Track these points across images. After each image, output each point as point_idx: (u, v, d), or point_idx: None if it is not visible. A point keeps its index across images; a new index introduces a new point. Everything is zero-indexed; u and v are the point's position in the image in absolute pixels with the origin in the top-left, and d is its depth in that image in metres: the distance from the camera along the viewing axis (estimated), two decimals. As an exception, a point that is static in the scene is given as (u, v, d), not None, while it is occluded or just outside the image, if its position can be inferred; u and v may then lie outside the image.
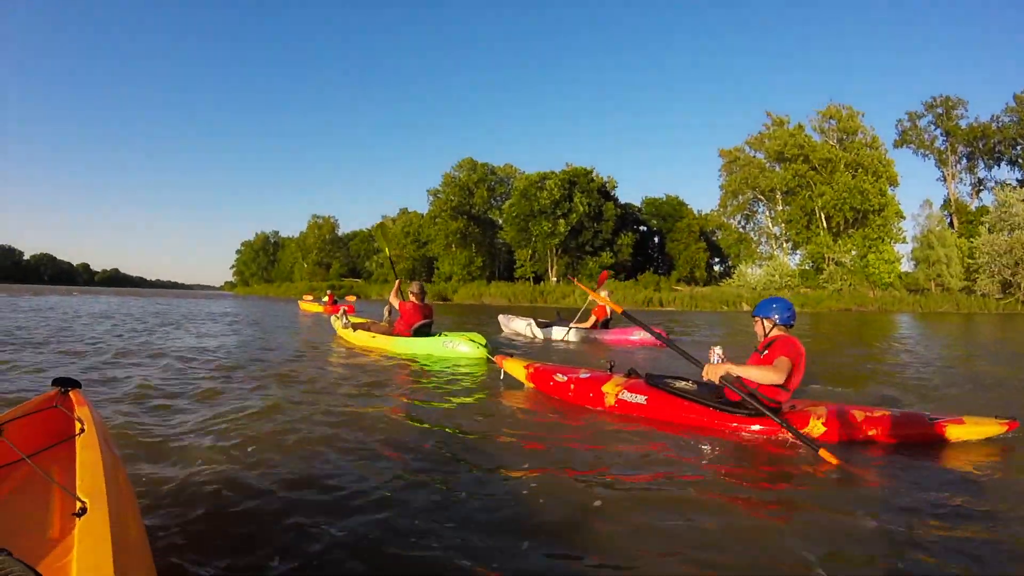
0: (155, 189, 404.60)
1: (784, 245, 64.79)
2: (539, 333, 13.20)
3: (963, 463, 3.71)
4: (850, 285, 52.27)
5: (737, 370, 4.15)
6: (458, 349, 8.89)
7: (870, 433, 4.01)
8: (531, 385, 6.13)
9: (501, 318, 15.29)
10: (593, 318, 12.96)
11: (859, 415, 4.10)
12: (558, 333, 12.78)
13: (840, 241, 56.58)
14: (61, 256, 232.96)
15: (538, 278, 70.09)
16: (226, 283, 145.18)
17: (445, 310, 36.11)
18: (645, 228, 78.51)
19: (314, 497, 3.15)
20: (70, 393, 2.90)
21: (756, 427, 4.17)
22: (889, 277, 53.39)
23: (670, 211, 75.67)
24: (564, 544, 2.65)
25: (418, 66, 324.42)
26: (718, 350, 5.46)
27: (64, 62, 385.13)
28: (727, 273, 71.87)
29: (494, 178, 79.75)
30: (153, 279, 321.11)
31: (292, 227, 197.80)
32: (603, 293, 11.82)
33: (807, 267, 58.95)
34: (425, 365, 8.30)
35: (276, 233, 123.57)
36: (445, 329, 10.13)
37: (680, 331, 17.64)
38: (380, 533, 2.73)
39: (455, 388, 6.61)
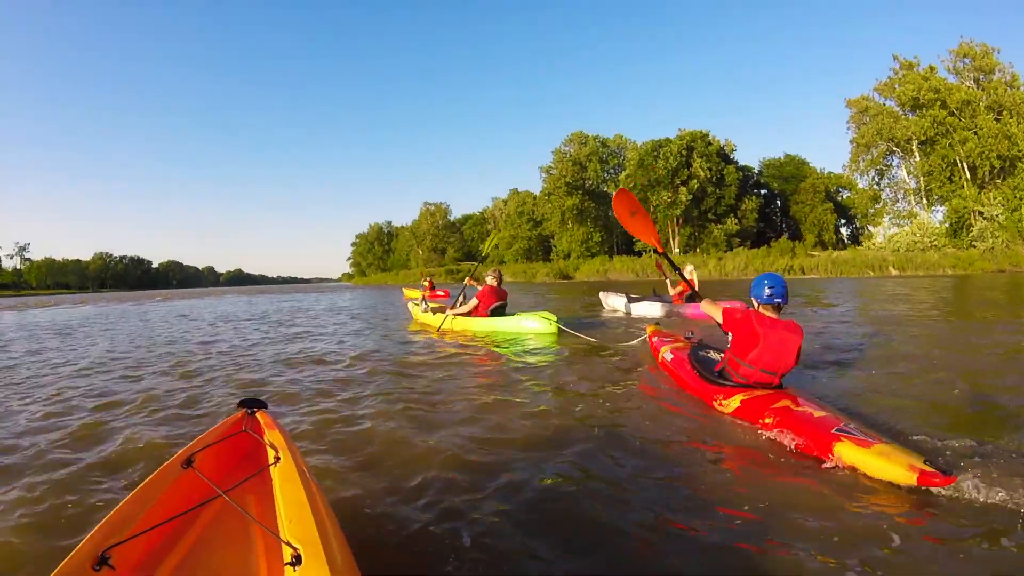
0: (271, 190, 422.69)
1: (924, 201, 58.85)
2: (631, 308, 13.53)
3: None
4: (1003, 243, 46.13)
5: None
6: (530, 326, 9.73)
7: (767, 421, 3.71)
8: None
9: (601, 295, 15.87)
10: (684, 291, 12.81)
11: (784, 403, 3.75)
12: (646, 308, 13.02)
13: (986, 193, 50.63)
14: (187, 262, 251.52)
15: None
16: (344, 275, 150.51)
17: (565, 289, 35.63)
18: (766, 191, 74.14)
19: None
20: (257, 414, 2.78)
21: (731, 401, 4.13)
22: (1047, 232, 47.15)
23: (792, 171, 71.58)
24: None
25: (521, 45, 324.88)
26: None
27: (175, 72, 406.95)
28: (855, 236, 67.86)
29: (606, 150, 78.18)
30: (274, 275, 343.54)
31: (404, 216, 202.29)
32: (688, 268, 11.61)
33: (949, 224, 52.22)
34: (504, 342, 9.14)
35: (389, 223, 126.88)
36: (519, 310, 11.05)
37: (830, 302, 16.49)
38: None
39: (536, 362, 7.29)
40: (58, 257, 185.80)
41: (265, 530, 1.92)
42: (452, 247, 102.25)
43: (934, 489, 2.76)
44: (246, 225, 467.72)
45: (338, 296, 37.06)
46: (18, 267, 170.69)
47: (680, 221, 65.34)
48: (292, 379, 6.55)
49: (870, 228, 62.74)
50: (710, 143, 64.45)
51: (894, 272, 42.30)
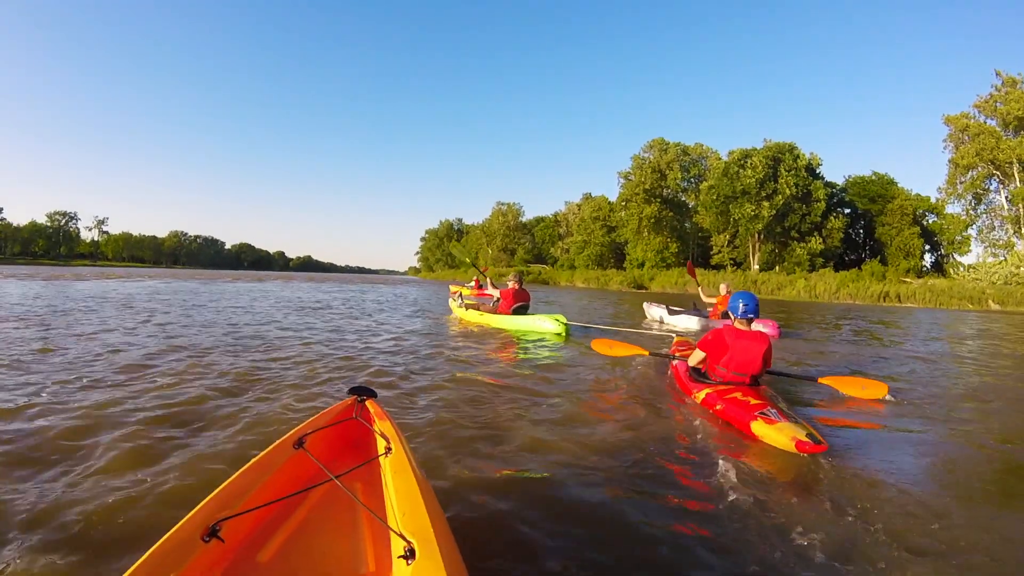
0: (345, 180, 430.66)
1: (1022, 230, 54.30)
2: (670, 320, 14.35)
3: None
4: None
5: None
6: (544, 326, 11.17)
7: (717, 407, 4.81)
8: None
9: (645, 305, 17.10)
10: (720, 309, 13.28)
11: (734, 395, 4.78)
12: (684, 321, 13.68)
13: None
14: (259, 245, 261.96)
15: (736, 264, 67.47)
16: (410, 268, 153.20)
17: (635, 298, 35.04)
18: (849, 210, 70.33)
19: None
20: (367, 403, 2.87)
21: (699, 394, 5.27)
22: None
23: (879, 191, 67.59)
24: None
25: (601, 48, 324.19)
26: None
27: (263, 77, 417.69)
28: (939, 264, 64.10)
29: (687, 158, 76.65)
30: (342, 264, 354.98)
31: (475, 215, 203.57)
32: (723, 286, 13.46)
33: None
34: (520, 337, 10.69)
35: (460, 220, 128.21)
36: (536, 311, 12.52)
37: (933, 334, 15.72)
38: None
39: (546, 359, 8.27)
40: (135, 232, 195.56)
41: (378, 520, 1.98)
42: (522, 248, 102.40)
43: (815, 455, 3.76)
44: (318, 213, 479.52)
45: (404, 288, 38.76)
46: (96, 239, 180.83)
47: (761, 237, 63.66)
48: (346, 366, 7.03)
49: (955, 256, 60.00)
50: (797, 156, 62.37)
51: (994, 307, 40.14)
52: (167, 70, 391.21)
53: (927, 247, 65.59)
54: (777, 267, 62.22)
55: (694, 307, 14.76)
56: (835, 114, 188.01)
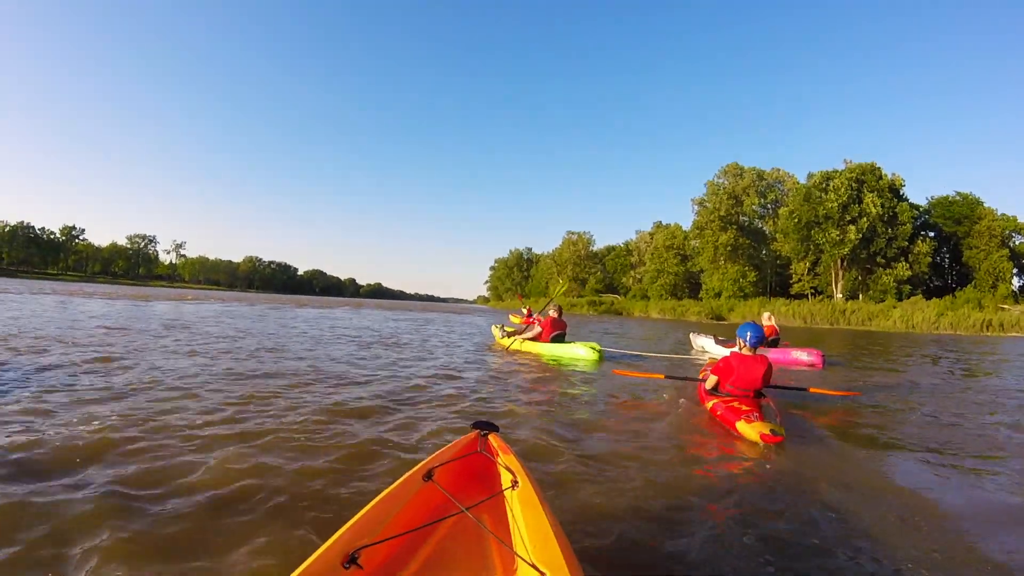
0: (416, 208, 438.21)
1: None
2: (716, 350, 14.61)
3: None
4: None
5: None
6: (579, 353, 11.88)
7: (719, 413, 6.07)
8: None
9: (692, 336, 17.60)
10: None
11: (734, 403, 5.98)
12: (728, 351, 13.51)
13: None
14: (330, 272, 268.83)
15: (816, 292, 65.14)
16: (479, 297, 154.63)
17: (708, 329, 34.43)
18: (933, 233, 66.51)
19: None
20: (489, 437, 2.94)
21: (709, 404, 6.51)
22: None
23: (964, 212, 64.02)
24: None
25: (673, 73, 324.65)
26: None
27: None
28: None
29: (762, 183, 75.03)
30: (412, 292, 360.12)
31: (545, 244, 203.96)
32: (765, 315, 14.24)
33: None
34: (557, 362, 11.39)
35: (530, 250, 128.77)
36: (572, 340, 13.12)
37: None
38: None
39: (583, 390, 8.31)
40: (211, 256, 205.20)
41: (509, 551, 2.03)
42: (594, 277, 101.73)
43: (773, 444, 5.02)
44: (389, 240, 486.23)
45: (471, 318, 38.40)
46: (174, 261, 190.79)
47: (845, 263, 61.33)
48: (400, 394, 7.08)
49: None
50: (880, 177, 60.06)
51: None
52: (240, 99, 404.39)
53: (1015, 271, 62.16)
54: (861, 295, 59.81)
55: None
56: (915, 132, 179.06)
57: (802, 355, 12.94)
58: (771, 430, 5.06)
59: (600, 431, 5.50)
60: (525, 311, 22.33)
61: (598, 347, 11.86)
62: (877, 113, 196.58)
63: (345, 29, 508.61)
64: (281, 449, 4.27)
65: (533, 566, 1.75)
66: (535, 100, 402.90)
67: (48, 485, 3.35)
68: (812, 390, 7.59)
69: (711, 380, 6.63)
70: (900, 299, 54.70)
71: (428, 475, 2.48)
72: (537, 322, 13.67)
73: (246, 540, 2.79)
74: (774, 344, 13.68)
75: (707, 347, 15.52)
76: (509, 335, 14.39)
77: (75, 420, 4.74)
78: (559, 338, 12.96)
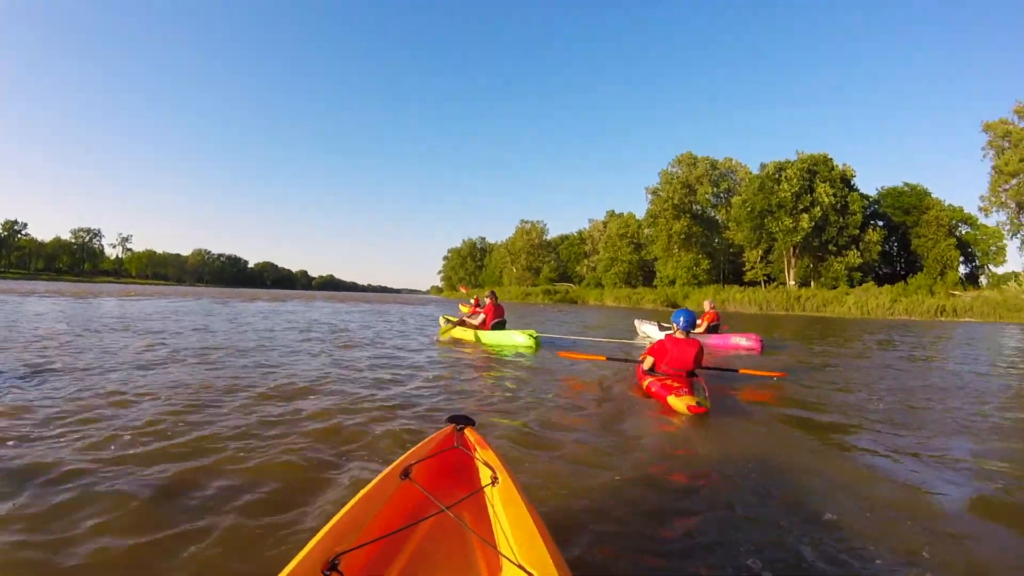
0: (366, 199, 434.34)
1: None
2: (659, 336, 14.28)
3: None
4: None
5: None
6: (517, 340, 12.38)
7: (653, 389, 6.66)
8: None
9: (636, 322, 18.17)
10: (704, 323, 14.38)
11: (668, 381, 6.58)
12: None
13: None
14: (281, 264, 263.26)
15: (769, 280, 65.97)
16: (432, 287, 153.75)
17: (664, 315, 34.12)
18: (882, 223, 67.92)
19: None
20: (465, 431, 2.87)
21: (645, 382, 7.08)
22: None
23: (913, 202, 65.84)
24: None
25: (624, 61, 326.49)
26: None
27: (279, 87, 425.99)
28: (973, 276, 63.03)
29: (716, 173, 75.85)
30: (365, 284, 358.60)
31: (499, 234, 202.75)
32: (707, 302, 14.97)
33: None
34: (498, 349, 11.93)
35: (483, 239, 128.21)
36: (512, 327, 13.72)
37: None
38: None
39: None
40: (158, 250, 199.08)
41: (493, 550, 1.97)
42: (548, 267, 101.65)
43: (700, 414, 5.60)
44: (340, 232, 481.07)
45: (423, 308, 38.23)
46: (120, 256, 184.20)
47: (797, 251, 62.26)
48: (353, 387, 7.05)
49: (991, 267, 58.78)
50: (832, 168, 61.36)
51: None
52: (188, 84, 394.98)
53: (961, 259, 63.92)
54: (813, 283, 60.78)
55: None
56: (864, 124, 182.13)
57: (741, 340, 13.54)
58: (696, 402, 5.69)
59: (553, 417, 5.66)
60: (472, 300, 22.76)
61: (535, 334, 12.41)
62: (828, 105, 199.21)
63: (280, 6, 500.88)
64: (231, 454, 4.09)
65: (520, 566, 1.70)
66: (489, 88, 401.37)
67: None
68: (742, 371, 8.28)
69: (648, 361, 7.26)
70: (852, 286, 55.82)
71: (405, 473, 2.38)
72: (482, 311, 14.16)
73: (219, 554, 2.68)
74: (714, 330, 14.38)
75: (650, 333, 16.06)
76: (455, 324, 14.94)
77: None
78: (499, 325, 13.63)
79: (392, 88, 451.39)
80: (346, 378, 7.54)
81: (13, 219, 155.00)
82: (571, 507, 3.26)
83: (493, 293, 14.55)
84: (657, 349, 7.13)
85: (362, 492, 2.23)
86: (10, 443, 4.18)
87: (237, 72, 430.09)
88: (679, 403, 5.80)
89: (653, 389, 6.68)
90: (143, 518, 3.03)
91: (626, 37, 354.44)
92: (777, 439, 5.08)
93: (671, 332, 7.33)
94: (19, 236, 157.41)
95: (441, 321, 16.74)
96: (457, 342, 13.52)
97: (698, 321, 14.56)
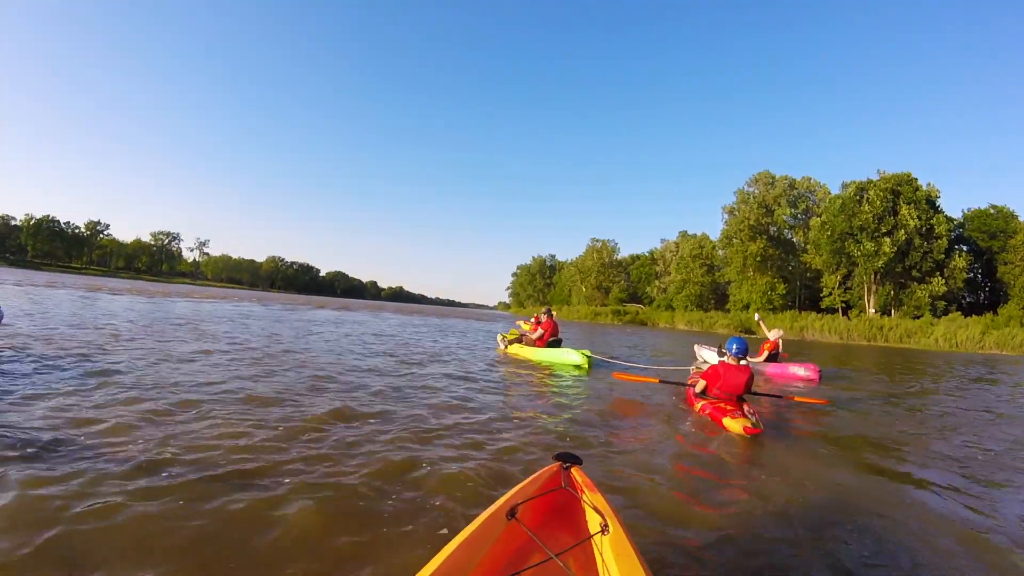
0: (440, 213, 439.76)
1: None
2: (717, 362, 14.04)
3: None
4: None
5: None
6: (571, 359, 12.74)
7: (707, 412, 7.27)
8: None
9: (695, 347, 17.89)
10: (766, 351, 14.71)
11: (721, 404, 7.15)
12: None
13: None
14: (352, 274, 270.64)
15: (847, 307, 63.45)
16: (500, 303, 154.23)
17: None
18: (966, 247, 63.49)
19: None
20: (572, 470, 2.76)
21: (698, 405, 7.70)
22: None
23: (999, 226, 61.81)
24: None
25: (700, 80, 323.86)
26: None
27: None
28: None
29: (794, 192, 73.37)
30: (433, 296, 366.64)
31: (570, 251, 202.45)
32: (775, 331, 15.32)
33: None
34: (552, 366, 12.56)
35: (553, 256, 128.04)
36: (569, 345, 14.08)
37: None
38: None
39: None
40: (234, 255, 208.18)
41: None
42: (617, 287, 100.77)
43: (755, 435, 6.12)
44: (412, 244, 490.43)
45: (493, 324, 37.65)
46: (197, 259, 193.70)
47: (878, 277, 59.43)
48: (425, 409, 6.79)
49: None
50: (917, 188, 58.04)
51: None
52: (267, 100, 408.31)
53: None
54: (893, 311, 58.26)
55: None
56: (948, 141, 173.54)
57: (799, 370, 13.72)
58: (752, 424, 6.26)
59: (613, 439, 5.91)
60: (533, 318, 22.91)
61: (588, 353, 12.80)
62: (909, 119, 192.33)
63: (375, 32, 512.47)
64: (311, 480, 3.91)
65: None
66: (565, 108, 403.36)
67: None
68: (788, 398, 8.83)
69: (700, 384, 7.82)
70: (936, 316, 52.89)
71: (511, 513, 2.31)
72: (541, 326, 14.67)
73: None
74: (774, 358, 14.61)
75: (708, 359, 15.90)
76: (511, 341, 15.75)
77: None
78: (555, 343, 14.15)
79: (470, 106, 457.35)
80: (419, 399, 7.30)
81: (96, 219, 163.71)
82: (672, 559, 3.11)
83: (549, 311, 15.06)
84: (711, 374, 7.58)
85: (467, 530, 2.18)
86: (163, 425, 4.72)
87: (320, 81, 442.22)
88: (735, 425, 6.37)
89: (707, 412, 7.26)
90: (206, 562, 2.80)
91: (702, 54, 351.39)
92: (815, 460, 5.60)
93: (724, 359, 7.77)
94: (101, 236, 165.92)
95: (499, 338, 17.19)
96: (515, 357, 14.15)
97: (764, 346, 15.18)
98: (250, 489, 3.64)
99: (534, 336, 14.53)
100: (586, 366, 12.39)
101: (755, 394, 8.20)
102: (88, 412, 5.09)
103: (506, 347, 15.62)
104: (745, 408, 7.00)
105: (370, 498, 3.65)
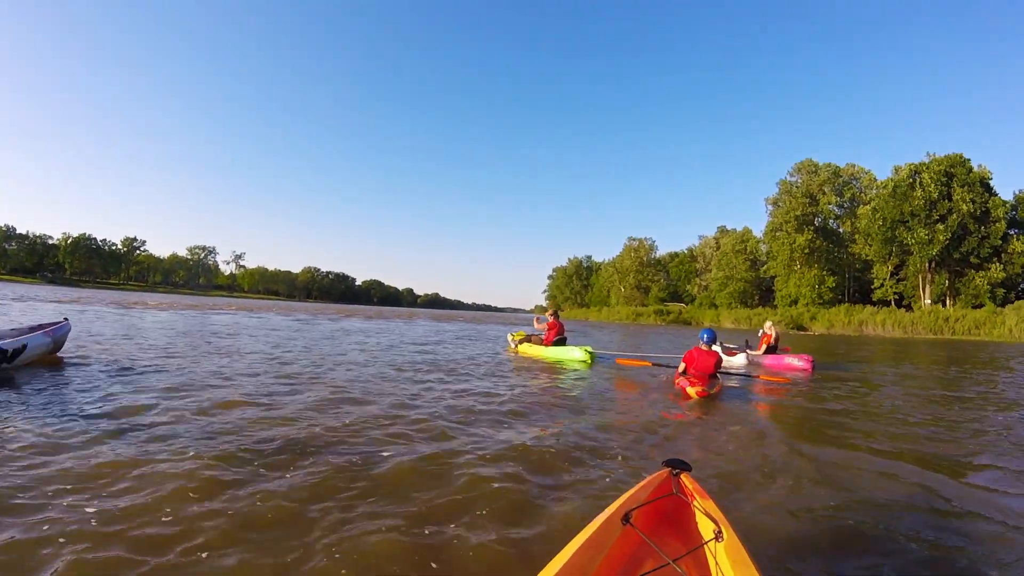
0: (474, 218, 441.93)
1: None
2: (724, 358, 15.02)
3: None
4: None
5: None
6: (575, 355, 13.75)
7: (681, 384, 9.41)
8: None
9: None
10: (764, 344, 16.10)
11: (693, 379, 9.15)
12: (732, 360, 14.95)
13: None
14: (388, 282, 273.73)
15: (899, 299, 61.37)
16: (536, 307, 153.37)
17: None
18: (1016, 231, 59.66)
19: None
20: (682, 476, 2.78)
21: (678, 380, 9.74)
22: None
23: None
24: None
25: (732, 69, 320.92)
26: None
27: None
28: None
29: (839, 180, 71.38)
30: (469, 302, 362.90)
31: (605, 252, 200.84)
32: (767, 324, 16.99)
33: None
34: (558, 362, 13.53)
35: (589, 258, 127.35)
36: (572, 343, 14.94)
37: None
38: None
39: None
40: (270, 267, 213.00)
41: None
42: (657, 285, 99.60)
43: (702, 397, 8.42)
44: (447, 251, 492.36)
45: (526, 328, 37.25)
46: (233, 272, 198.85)
47: (932, 266, 57.22)
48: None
49: None
50: (970, 170, 55.63)
51: None
52: (300, 112, 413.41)
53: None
54: (948, 301, 56.21)
55: (747, 344, 16.34)
56: (998, 118, 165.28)
57: (794, 360, 14.76)
58: (701, 390, 8.51)
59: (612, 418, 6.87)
60: (551, 318, 23.08)
61: (590, 349, 13.84)
62: (954, 99, 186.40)
63: (411, 39, 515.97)
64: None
65: None
66: (589, 104, 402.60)
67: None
68: (760, 376, 11.32)
69: (681, 366, 9.80)
70: (997, 304, 50.70)
71: (626, 518, 2.35)
72: (547, 325, 15.61)
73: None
74: (772, 350, 15.84)
75: (732, 361, 16.63)
76: (520, 341, 16.63)
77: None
78: (561, 341, 15.03)
79: (499, 109, 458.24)
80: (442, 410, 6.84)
81: (133, 236, 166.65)
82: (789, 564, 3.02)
83: (556, 312, 16.14)
84: (688, 358, 9.72)
85: (584, 534, 2.20)
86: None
87: (348, 93, 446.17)
88: (692, 392, 8.61)
89: (681, 383, 9.41)
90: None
91: (736, 41, 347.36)
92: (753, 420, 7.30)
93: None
94: (138, 252, 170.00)
95: (508, 338, 17.95)
96: (524, 356, 15.15)
97: (759, 337, 16.69)
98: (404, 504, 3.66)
99: (541, 335, 15.89)
100: (589, 360, 13.42)
101: (725, 373, 11.13)
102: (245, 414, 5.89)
103: (516, 347, 16.50)
104: (710, 382, 9.13)
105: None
